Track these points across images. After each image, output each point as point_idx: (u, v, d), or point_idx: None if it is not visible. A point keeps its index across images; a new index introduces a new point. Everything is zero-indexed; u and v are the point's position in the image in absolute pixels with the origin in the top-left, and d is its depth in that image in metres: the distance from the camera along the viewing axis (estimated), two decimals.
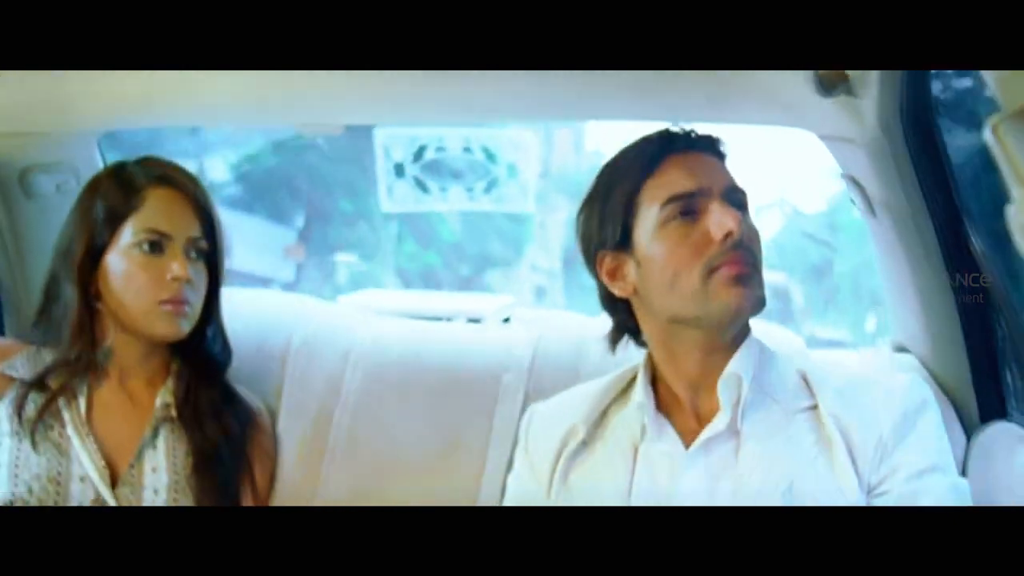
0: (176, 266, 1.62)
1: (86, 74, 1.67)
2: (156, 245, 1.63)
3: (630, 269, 1.43)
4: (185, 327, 1.65)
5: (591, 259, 1.48)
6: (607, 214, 1.44)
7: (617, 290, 1.46)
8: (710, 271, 1.36)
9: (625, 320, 1.50)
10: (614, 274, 1.46)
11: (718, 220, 1.36)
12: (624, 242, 1.43)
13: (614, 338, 1.53)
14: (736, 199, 1.40)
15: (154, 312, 1.62)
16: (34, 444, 1.58)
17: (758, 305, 1.38)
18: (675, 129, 1.45)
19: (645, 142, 1.45)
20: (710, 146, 1.45)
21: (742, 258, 1.36)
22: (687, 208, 1.38)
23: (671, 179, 1.40)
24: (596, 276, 1.48)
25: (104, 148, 2.15)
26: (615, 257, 1.45)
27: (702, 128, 1.46)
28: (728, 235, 1.35)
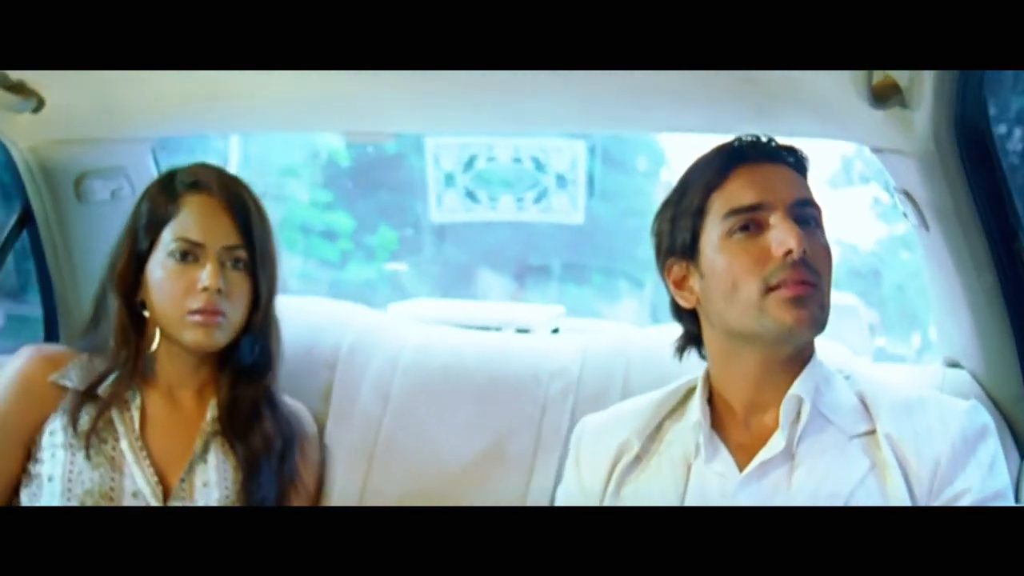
0: (205, 275, 1.59)
1: (139, 80, 1.68)
2: (189, 254, 1.61)
3: (695, 280, 1.43)
4: (220, 338, 1.62)
5: (662, 266, 1.48)
6: (677, 222, 1.44)
7: (683, 300, 1.46)
8: (768, 289, 1.34)
9: (691, 330, 1.49)
10: (681, 284, 1.46)
11: (779, 237, 1.34)
12: (691, 252, 1.43)
13: (680, 346, 1.52)
14: (805, 215, 1.39)
15: (185, 322, 1.60)
16: (88, 457, 1.57)
17: (816, 327, 1.36)
18: (749, 138, 1.44)
19: (718, 151, 1.44)
20: (787, 157, 1.43)
21: (802, 277, 1.34)
22: (748, 222, 1.37)
23: (735, 191, 1.39)
24: (665, 284, 1.48)
25: (159, 155, 2.17)
26: (682, 267, 1.45)
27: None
28: (788, 252, 1.33)
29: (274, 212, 1.74)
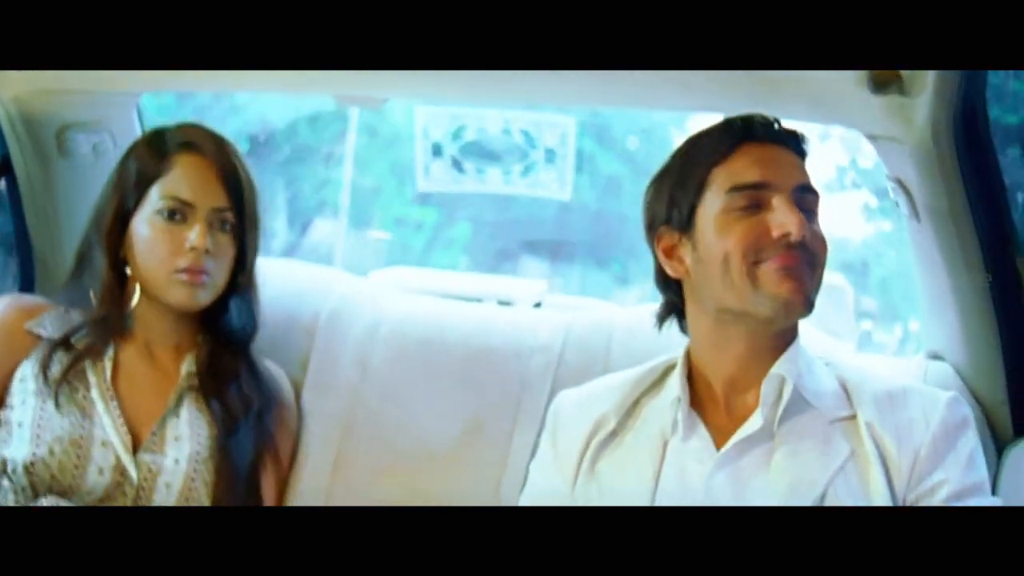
0: (194, 235, 1.60)
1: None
2: (177, 213, 1.62)
3: (687, 251, 1.42)
4: (203, 297, 1.64)
5: (652, 233, 1.47)
6: (676, 192, 1.43)
7: (670, 269, 1.46)
8: (757, 262, 1.34)
9: (674, 301, 1.49)
10: (670, 253, 1.45)
11: (779, 219, 1.34)
12: (687, 224, 1.42)
13: (661, 316, 1.52)
14: (805, 201, 1.38)
15: (170, 280, 1.62)
16: (58, 405, 1.57)
17: (807, 305, 1.36)
18: (757, 117, 1.43)
19: (725, 125, 1.44)
20: (791, 141, 1.43)
21: (793, 256, 1.34)
22: (751, 200, 1.37)
23: (740, 168, 1.38)
24: (653, 251, 1.47)
25: (144, 111, 2.15)
26: (673, 236, 1.44)
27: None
28: (785, 235, 1.33)
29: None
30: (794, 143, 1.43)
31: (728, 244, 1.36)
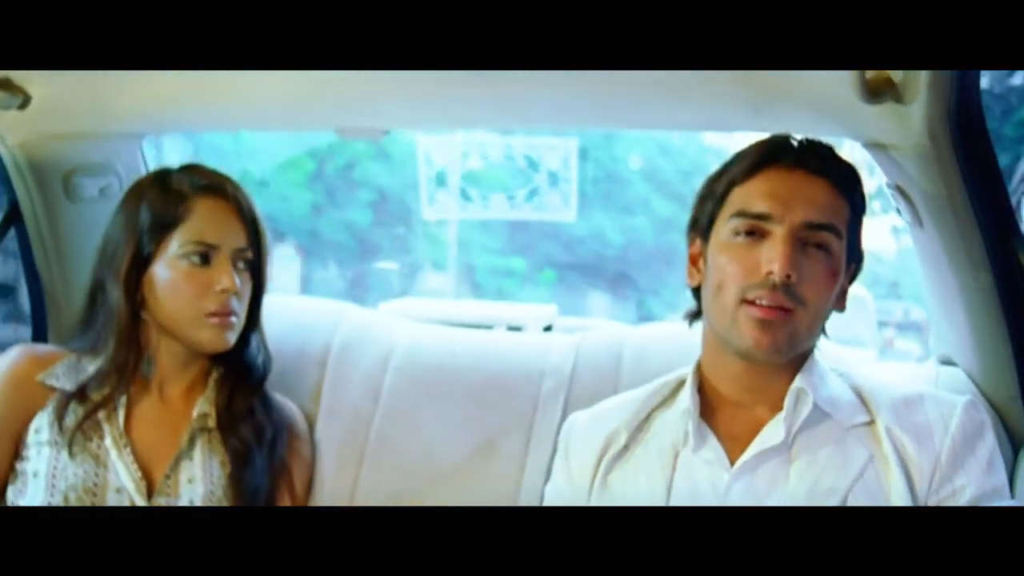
0: (225, 279, 1.61)
1: (128, 76, 1.67)
2: (204, 256, 1.62)
3: (702, 263, 1.44)
4: (231, 338, 1.65)
5: (688, 236, 1.49)
6: (705, 202, 1.44)
7: (690, 276, 1.47)
8: (742, 300, 1.35)
9: (698, 307, 1.49)
10: (695, 261, 1.47)
11: (768, 255, 1.34)
12: (706, 236, 1.43)
13: (689, 317, 1.52)
14: (813, 238, 1.36)
15: (200, 323, 1.62)
16: (72, 454, 1.57)
17: (777, 353, 1.36)
18: (798, 140, 1.42)
19: (760, 144, 1.43)
20: (828, 170, 1.40)
21: (778, 302, 1.33)
22: (752, 228, 1.36)
23: (751, 194, 1.38)
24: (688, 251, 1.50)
25: (147, 152, 2.16)
26: (697, 245, 1.46)
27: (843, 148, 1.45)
28: (769, 273, 1.33)
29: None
30: (832, 173, 1.40)
31: (725, 272, 1.37)
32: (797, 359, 1.41)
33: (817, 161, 1.40)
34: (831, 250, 1.37)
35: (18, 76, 1.71)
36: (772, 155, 1.40)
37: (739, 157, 1.43)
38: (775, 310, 1.33)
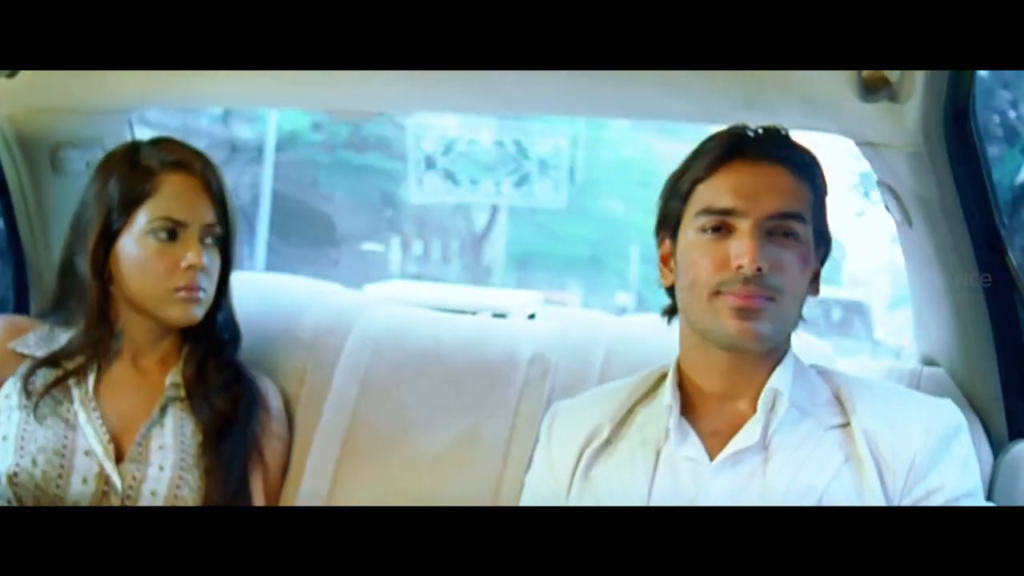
0: (191, 255, 1.62)
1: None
2: (171, 232, 1.63)
3: (673, 262, 1.43)
4: (199, 313, 1.66)
5: (656, 236, 1.49)
6: (669, 202, 1.44)
7: (663, 277, 1.47)
8: (716, 293, 1.35)
9: (673, 304, 1.48)
10: (665, 260, 1.46)
11: (737, 249, 1.33)
12: (674, 235, 1.43)
13: (668, 315, 1.51)
14: (781, 227, 1.36)
15: (168, 299, 1.63)
16: (40, 416, 1.59)
17: (761, 341, 1.36)
18: (755, 131, 1.42)
19: (720, 137, 1.42)
20: (790, 158, 1.40)
21: (751, 292, 1.33)
22: (718, 223, 1.36)
23: (715, 190, 1.38)
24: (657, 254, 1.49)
25: (135, 127, 2.16)
26: (666, 245, 1.45)
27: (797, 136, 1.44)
28: (739, 267, 1.33)
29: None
30: (796, 160, 1.40)
31: (696, 268, 1.37)
32: (776, 353, 1.41)
33: (776, 150, 1.40)
34: (799, 237, 1.37)
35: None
36: (732, 149, 1.39)
37: (699, 153, 1.42)
38: (751, 298, 1.34)
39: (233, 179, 1.77)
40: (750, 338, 1.35)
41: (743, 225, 1.35)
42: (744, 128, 1.42)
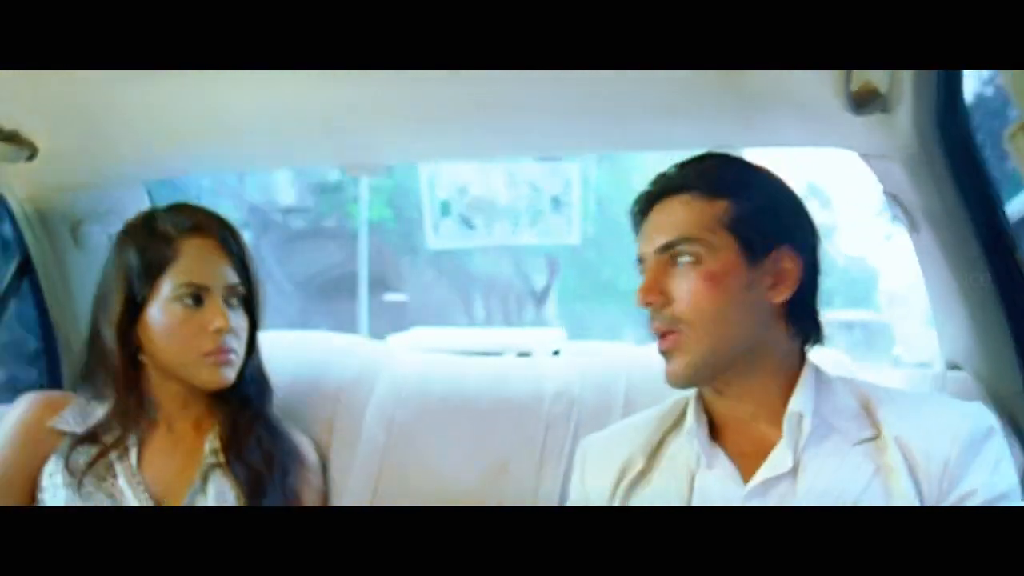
0: (219, 319, 1.62)
1: (129, 123, 1.70)
2: (196, 298, 1.63)
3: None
4: (230, 375, 1.65)
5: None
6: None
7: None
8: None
9: None
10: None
11: (643, 284, 1.37)
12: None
13: None
14: (675, 254, 1.37)
15: (199, 364, 1.63)
16: (85, 494, 1.58)
17: (681, 380, 1.38)
18: (670, 171, 1.43)
19: (642, 194, 1.44)
20: (688, 185, 1.40)
21: (654, 327, 1.37)
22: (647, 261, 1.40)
23: (646, 233, 1.41)
24: None
25: (154, 194, 2.19)
26: None
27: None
28: (648, 304, 1.36)
29: None
30: (698, 183, 1.39)
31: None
32: (790, 370, 1.41)
33: (679, 179, 1.41)
34: (700, 259, 1.36)
35: (25, 129, 1.75)
36: (653, 198, 1.42)
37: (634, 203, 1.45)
38: (661, 335, 1.36)
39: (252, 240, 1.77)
40: (673, 379, 1.38)
41: (652, 256, 1.38)
42: (663, 173, 1.43)
